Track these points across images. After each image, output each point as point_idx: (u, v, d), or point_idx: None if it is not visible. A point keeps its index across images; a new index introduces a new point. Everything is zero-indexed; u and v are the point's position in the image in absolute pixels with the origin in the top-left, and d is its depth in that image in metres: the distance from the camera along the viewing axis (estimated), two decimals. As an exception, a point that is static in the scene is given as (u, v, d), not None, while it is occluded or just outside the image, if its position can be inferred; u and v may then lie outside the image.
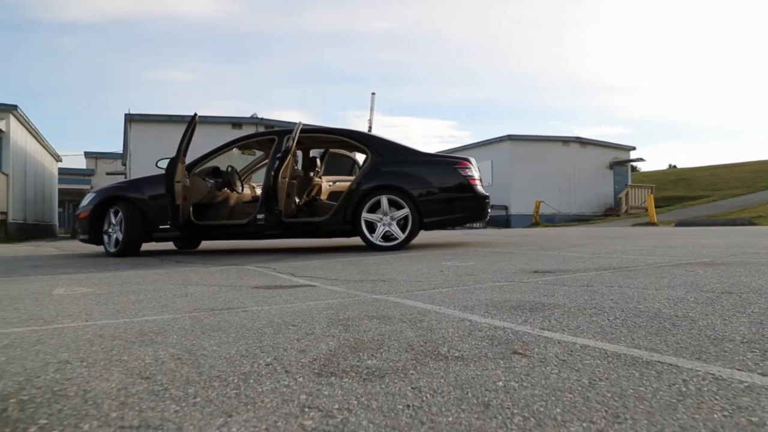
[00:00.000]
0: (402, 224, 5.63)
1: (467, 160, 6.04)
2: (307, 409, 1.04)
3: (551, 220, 22.37)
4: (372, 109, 40.33)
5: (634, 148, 28.10)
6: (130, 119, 19.62)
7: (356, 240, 6.11)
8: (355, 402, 1.08)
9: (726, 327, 1.64)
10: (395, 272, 3.53)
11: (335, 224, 5.82)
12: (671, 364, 1.27)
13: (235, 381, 1.24)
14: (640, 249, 5.02)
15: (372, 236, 5.64)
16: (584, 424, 0.93)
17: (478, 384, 1.17)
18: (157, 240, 6.34)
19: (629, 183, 26.89)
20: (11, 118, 16.86)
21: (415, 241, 6.35)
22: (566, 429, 0.91)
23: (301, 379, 1.24)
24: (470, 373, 1.25)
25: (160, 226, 6.03)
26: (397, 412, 1.02)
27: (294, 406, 1.07)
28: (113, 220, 6.13)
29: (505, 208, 24.19)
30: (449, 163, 6.06)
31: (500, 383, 1.17)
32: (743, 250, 4.57)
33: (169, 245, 7.55)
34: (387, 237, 5.64)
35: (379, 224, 5.65)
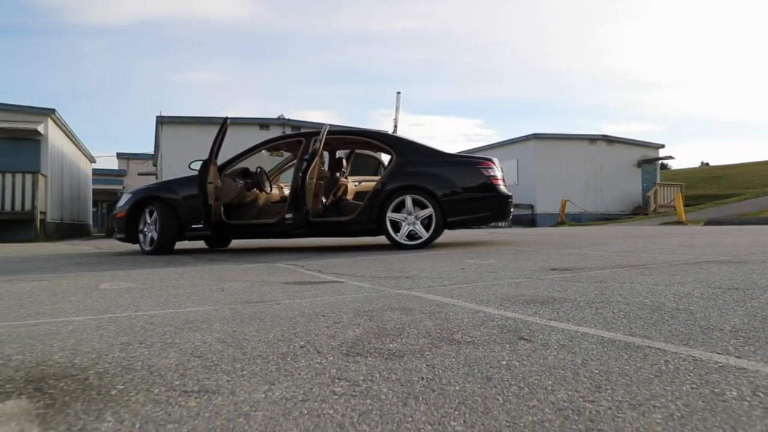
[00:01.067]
0: (426, 223, 5.79)
1: (490, 160, 6.17)
2: (337, 380, 1.24)
3: (577, 219, 22.25)
4: (397, 108, 40.71)
5: (662, 146, 27.71)
6: (162, 121, 20.18)
7: (381, 239, 6.29)
8: (378, 375, 1.26)
9: (720, 319, 1.78)
10: (418, 269, 3.70)
11: (361, 223, 6.00)
12: (659, 349, 1.42)
13: (275, 359, 1.44)
14: (661, 248, 5.09)
15: (397, 235, 5.81)
16: (569, 392, 1.10)
17: (484, 363, 1.34)
18: (190, 239, 6.61)
19: (658, 181, 26.54)
20: (49, 121, 17.49)
21: (439, 240, 6.51)
22: (554, 396, 1.08)
23: (331, 358, 1.43)
24: (478, 355, 1.42)
25: (193, 226, 6.30)
26: (413, 382, 1.20)
27: (326, 377, 1.26)
28: (148, 220, 6.42)
29: (531, 207, 24.12)
30: (472, 163, 6.19)
31: (503, 362, 1.34)
32: (765, 249, 4.62)
33: (201, 244, 7.85)
34: (411, 236, 5.80)
35: (403, 223, 5.81)
